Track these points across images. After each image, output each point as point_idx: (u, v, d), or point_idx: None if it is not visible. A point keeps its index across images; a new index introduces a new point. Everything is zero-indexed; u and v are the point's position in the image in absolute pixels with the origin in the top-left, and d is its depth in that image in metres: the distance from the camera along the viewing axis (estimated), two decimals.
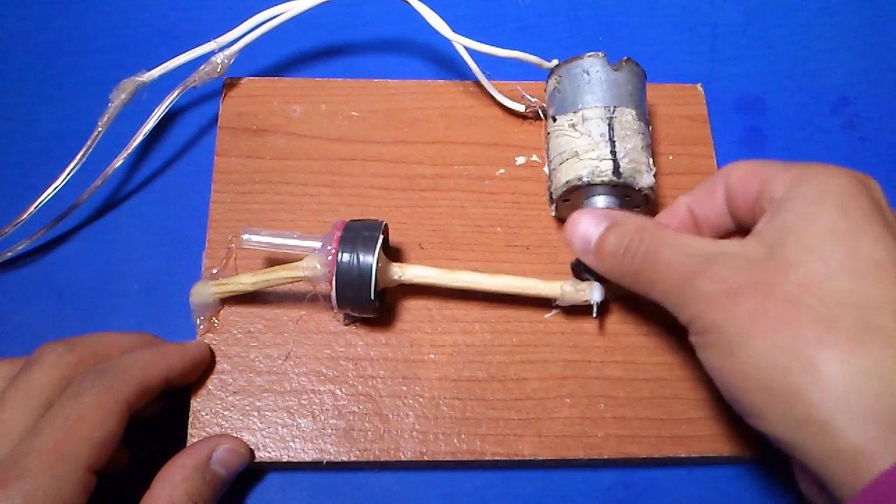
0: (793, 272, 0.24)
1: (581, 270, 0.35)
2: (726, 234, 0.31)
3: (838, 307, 0.23)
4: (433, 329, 0.36)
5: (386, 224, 0.34)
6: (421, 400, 0.34)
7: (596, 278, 0.34)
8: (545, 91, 0.38)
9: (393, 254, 0.37)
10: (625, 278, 0.30)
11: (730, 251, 0.26)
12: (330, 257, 0.32)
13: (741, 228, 0.31)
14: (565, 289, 0.34)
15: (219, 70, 0.38)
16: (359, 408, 0.34)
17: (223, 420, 0.34)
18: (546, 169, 0.38)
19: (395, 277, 0.34)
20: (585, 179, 0.34)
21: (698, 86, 0.42)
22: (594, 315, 0.34)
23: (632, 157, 0.34)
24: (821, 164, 0.27)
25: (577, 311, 0.36)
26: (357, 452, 0.33)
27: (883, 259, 0.24)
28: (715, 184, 0.30)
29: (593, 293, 0.34)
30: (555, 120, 0.36)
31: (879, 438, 0.21)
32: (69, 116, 0.41)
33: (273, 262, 0.36)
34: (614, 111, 0.35)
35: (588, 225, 0.31)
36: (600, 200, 0.35)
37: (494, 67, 0.39)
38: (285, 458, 0.33)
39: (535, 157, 0.40)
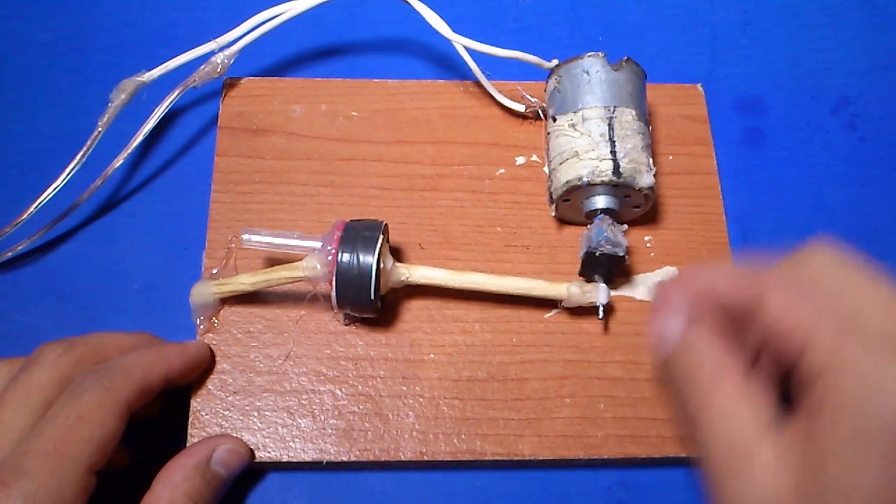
0: None
1: (589, 270, 0.35)
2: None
3: None
4: (433, 329, 0.36)
5: (386, 224, 0.34)
6: (421, 400, 0.34)
7: (603, 280, 0.34)
8: (545, 91, 0.38)
9: (393, 254, 0.37)
10: (674, 402, 0.26)
11: (763, 465, 0.22)
12: (330, 257, 0.32)
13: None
14: (572, 290, 0.34)
15: (219, 70, 0.38)
16: (359, 408, 0.34)
17: (223, 420, 0.34)
18: (546, 169, 0.38)
19: (402, 279, 0.34)
20: (585, 179, 0.34)
21: (698, 86, 0.42)
22: (600, 317, 0.35)
23: (632, 157, 0.34)
24: (863, 360, 0.21)
25: (578, 310, 0.36)
26: (357, 452, 0.33)
27: None
28: (743, 296, 0.24)
29: (599, 295, 0.34)
30: (555, 120, 0.36)
31: None
32: (69, 116, 0.41)
33: (273, 262, 0.36)
34: (614, 111, 0.35)
35: (667, 324, 0.26)
36: (600, 200, 0.35)
37: (494, 67, 0.39)
38: (285, 458, 0.33)
39: (535, 157, 0.40)
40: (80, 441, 0.27)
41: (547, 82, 0.38)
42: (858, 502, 0.20)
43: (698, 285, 0.26)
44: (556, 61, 0.37)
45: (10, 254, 0.38)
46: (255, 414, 0.34)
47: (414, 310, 0.36)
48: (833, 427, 0.21)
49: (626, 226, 0.35)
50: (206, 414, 0.34)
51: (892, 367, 0.20)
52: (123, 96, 0.37)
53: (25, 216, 0.36)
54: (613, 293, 0.36)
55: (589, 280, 0.35)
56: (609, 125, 0.35)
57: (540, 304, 0.36)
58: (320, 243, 0.33)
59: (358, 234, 0.32)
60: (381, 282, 0.33)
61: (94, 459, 0.27)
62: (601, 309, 0.35)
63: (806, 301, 0.22)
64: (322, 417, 0.34)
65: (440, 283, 0.34)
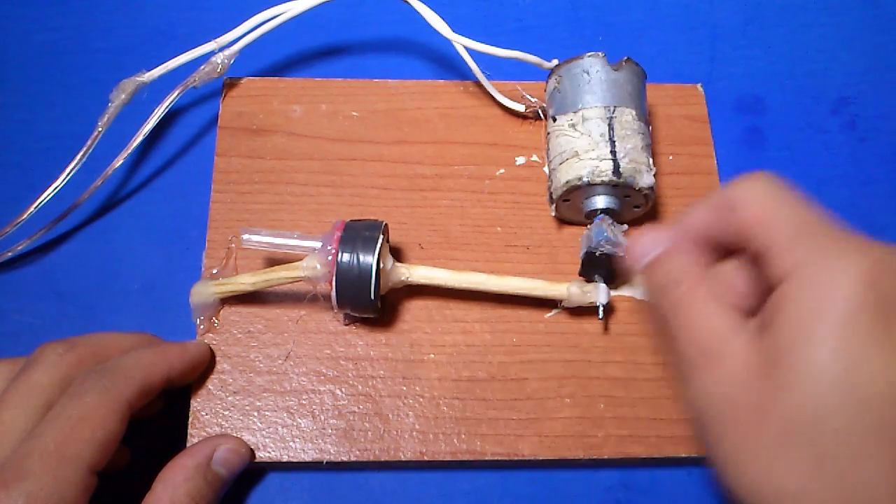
0: (787, 399, 0.24)
1: (590, 270, 0.35)
2: (731, 251, 0.30)
3: (834, 442, 0.23)
4: (433, 329, 0.36)
5: (386, 224, 0.34)
6: (421, 400, 0.34)
7: (604, 280, 0.34)
8: (545, 91, 0.38)
9: (393, 254, 0.37)
10: (660, 307, 0.29)
11: (735, 351, 0.25)
12: (330, 257, 0.32)
13: (749, 256, 0.29)
14: (572, 290, 0.34)
15: (219, 70, 0.38)
16: (359, 408, 0.34)
17: (223, 420, 0.34)
18: (546, 169, 0.38)
19: (403, 279, 0.34)
20: (585, 179, 0.34)
21: (698, 86, 0.42)
22: (600, 317, 0.35)
23: (632, 157, 0.34)
24: (831, 244, 0.24)
25: (578, 310, 0.36)
26: (357, 452, 0.33)
27: (884, 392, 0.23)
28: (721, 211, 0.28)
29: (599, 295, 0.34)
30: (555, 120, 0.36)
31: None
32: (69, 116, 0.41)
33: (273, 262, 0.36)
34: (614, 111, 0.35)
35: (646, 244, 0.29)
36: (600, 200, 0.35)
37: (494, 67, 0.39)
38: (285, 458, 0.33)
39: (535, 157, 0.40)
40: (82, 441, 0.27)
41: (547, 82, 0.38)
42: (815, 378, 0.23)
43: (678, 226, 0.29)
44: (556, 61, 0.37)
45: (10, 254, 0.38)
46: (255, 414, 0.34)
47: (414, 310, 0.36)
48: (794, 314, 0.24)
49: (626, 226, 0.35)
50: (206, 414, 0.34)
51: (849, 278, 0.23)
52: (123, 96, 0.37)
53: (25, 216, 0.36)
54: (613, 293, 0.36)
55: (589, 280, 0.35)
56: (609, 125, 0.35)
57: (540, 304, 0.36)
58: (320, 243, 0.33)
59: (358, 234, 0.32)
60: (381, 282, 0.33)
61: (96, 460, 0.27)
62: (601, 309, 0.35)
63: (767, 209, 0.26)
64: (322, 417, 0.34)
65: (440, 283, 0.34)
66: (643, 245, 0.30)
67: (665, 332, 0.28)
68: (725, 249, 0.30)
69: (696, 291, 0.27)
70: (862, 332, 0.23)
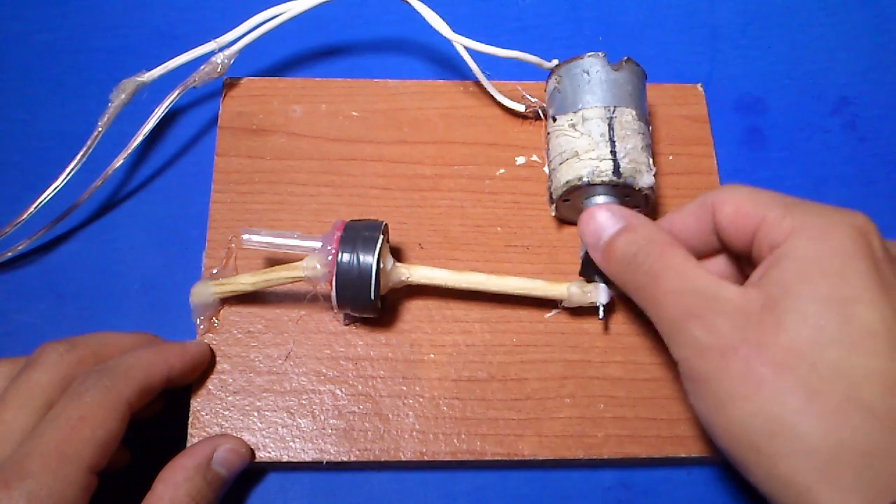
0: (784, 335, 0.24)
1: (589, 270, 0.35)
2: (709, 255, 0.32)
3: (826, 377, 0.24)
4: (433, 329, 0.36)
5: (386, 224, 0.34)
6: (421, 400, 0.34)
7: (603, 280, 0.34)
8: (545, 91, 0.38)
9: (393, 254, 0.37)
10: (626, 287, 0.30)
11: (729, 298, 0.26)
12: (330, 257, 0.32)
13: (731, 252, 0.31)
14: (572, 290, 0.34)
15: (219, 70, 0.38)
16: (359, 408, 0.34)
17: (223, 420, 0.34)
18: (546, 169, 0.38)
19: (403, 279, 0.34)
20: (585, 179, 0.34)
21: (698, 86, 0.42)
22: (600, 317, 0.35)
23: (632, 157, 0.34)
24: (820, 211, 0.27)
25: (577, 310, 0.36)
26: (357, 452, 0.33)
27: (877, 328, 0.24)
28: (699, 213, 0.30)
29: (600, 295, 0.34)
30: (555, 120, 0.36)
31: None
32: (69, 116, 0.41)
33: (273, 262, 0.36)
34: (614, 111, 0.35)
35: (603, 221, 0.31)
36: (600, 200, 0.35)
37: (494, 67, 0.39)
38: (285, 458, 0.33)
39: (535, 157, 0.40)
40: (82, 441, 0.27)
41: (547, 82, 0.38)
42: (813, 313, 0.24)
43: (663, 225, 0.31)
44: (556, 61, 0.37)
45: (10, 254, 0.38)
46: (255, 414, 0.34)
47: (414, 310, 0.36)
48: (793, 262, 0.25)
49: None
50: (206, 414, 0.34)
51: (842, 231, 0.25)
52: (123, 96, 0.37)
53: (25, 216, 0.36)
54: (614, 293, 0.36)
55: (589, 280, 0.35)
56: (609, 125, 0.35)
57: (540, 304, 0.36)
58: (320, 243, 0.33)
59: (358, 234, 0.32)
60: (381, 282, 0.33)
61: (96, 460, 0.27)
62: (601, 309, 0.35)
63: (750, 200, 0.28)
64: (322, 417, 0.34)
65: (440, 283, 0.34)
66: (600, 223, 0.31)
67: (644, 302, 0.29)
68: (703, 253, 0.32)
69: (671, 255, 0.28)
70: (856, 274, 0.25)
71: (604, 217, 0.31)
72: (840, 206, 0.27)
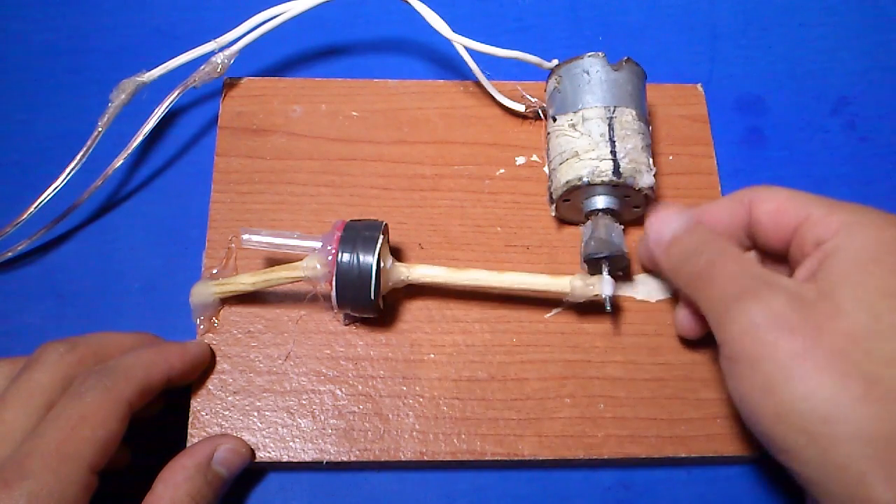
0: (843, 322, 0.24)
1: (592, 265, 0.34)
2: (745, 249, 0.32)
3: (885, 365, 0.23)
4: (433, 329, 0.36)
5: (386, 224, 0.34)
6: (421, 400, 0.34)
7: (608, 273, 0.34)
8: (545, 91, 0.38)
9: (393, 254, 0.37)
10: (681, 279, 0.30)
11: (785, 284, 0.26)
12: (330, 257, 0.32)
13: (761, 250, 0.32)
14: (575, 283, 0.33)
15: (219, 70, 0.38)
16: (359, 408, 0.34)
17: (223, 420, 0.34)
18: (546, 169, 0.38)
19: (402, 278, 0.34)
20: (585, 179, 0.34)
21: (698, 86, 0.42)
22: (608, 309, 0.33)
23: (632, 157, 0.34)
24: (865, 209, 0.27)
25: (577, 310, 0.36)
26: (357, 452, 0.33)
27: None
28: (734, 209, 0.31)
29: (604, 287, 0.33)
30: (555, 120, 0.36)
31: None
32: (69, 116, 0.41)
33: (273, 262, 0.36)
34: (614, 111, 0.35)
35: (670, 218, 0.32)
36: (600, 200, 0.35)
37: (494, 67, 0.39)
38: (285, 458, 0.33)
39: (535, 157, 0.40)
40: (83, 441, 0.27)
41: (547, 82, 0.38)
42: (871, 303, 0.24)
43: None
44: (556, 61, 0.37)
45: (10, 254, 0.38)
46: (255, 414, 0.34)
47: (414, 310, 0.36)
48: (847, 256, 0.26)
49: (621, 225, 0.35)
50: (206, 414, 0.34)
51: (884, 219, 0.26)
52: (123, 96, 0.37)
53: (25, 216, 0.36)
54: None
55: (592, 273, 0.35)
56: (609, 125, 0.35)
57: (540, 304, 0.36)
58: (320, 243, 0.33)
59: (358, 233, 0.32)
60: (381, 281, 0.33)
61: (97, 460, 0.27)
62: (607, 300, 0.33)
63: (792, 199, 0.29)
64: (322, 417, 0.34)
65: (440, 280, 0.34)
66: (667, 220, 0.32)
67: (698, 285, 0.29)
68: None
69: (731, 249, 0.29)
70: None
71: (673, 214, 0.32)
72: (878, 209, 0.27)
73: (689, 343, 0.35)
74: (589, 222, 0.36)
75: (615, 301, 0.36)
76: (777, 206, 0.29)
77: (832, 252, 0.26)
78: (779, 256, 0.30)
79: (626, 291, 0.37)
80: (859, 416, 0.23)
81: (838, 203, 0.28)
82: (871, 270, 0.25)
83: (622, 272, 0.37)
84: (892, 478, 0.22)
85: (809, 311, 0.25)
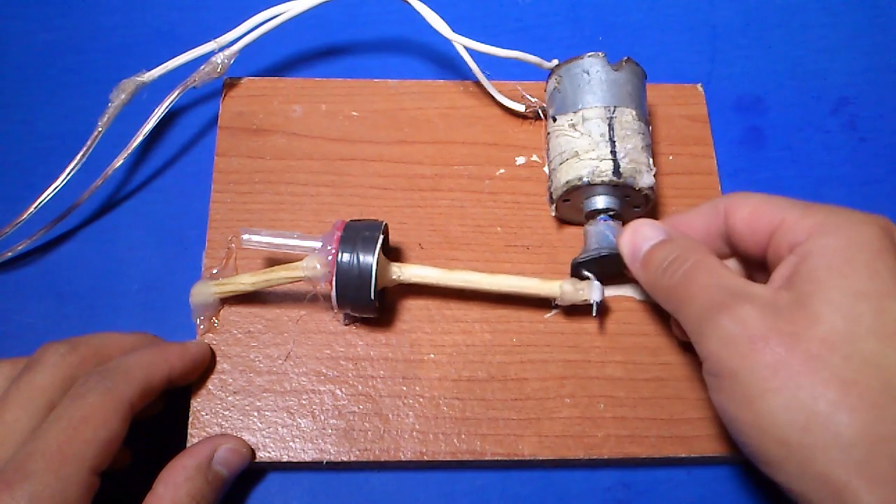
0: (819, 327, 0.24)
1: (580, 270, 0.35)
2: (724, 257, 0.32)
3: (862, 369, 0.23)
4: (433, 329, 0.36)
5: (386, 224, 0.34)
6: (421, 400, 0.34)
7: (597, 278, 0.34)
8: (545, 91, 0.38)
9: (393, 254, 0.37)
10: (660, 293, 0.30)
11: (759, 293, 0.26)
12: (330, 257, 0.32)
13: (741, 257, 0.31)
14: (565, 288, 0.34)
15: (219, 70, 0.38)
16: (359, 408, 0.34)
17: (223, 420, 0.34)
18: (546, 169, 0.38)
19: (394, 277, 0.34)
20: (585, 179, 0.34)
21: (698, 86, 0.42)
22: (594, 314, 0.34)
23: (632, 157, 0.34)
24: (840, 210, 0.27)
25: (578, 311, 0.36)
26: (357, 452, 0.33)
27: None
28: (710, 216, 0.31)
29: (593, 293, 0.34)
30: (555, 120, 0.36)
31: None
32: (69, 116, 0.41)
33: (273, 262, 0.36)
34: (614, 111, 0.35)
35: (645, 234, 0.31)
36: (600, 200, 0.35)
37: (494, 67, 0.39)
38: (285, 458, 0.33)
39: (535, 157, 0.40)
40: (84, 442, 0.27)
41: (547, 82, 0.38)
42: (847, 307, 0.24)
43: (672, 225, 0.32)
44: (556, 61, 0.37)
45: (10, 254, 0.38)
46: (255, 414, 0.34)
47: (414, 310, 0.36)
48: (822, 259, 0.25)
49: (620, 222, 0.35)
50: (206, 414, 0.34)
51: (869, 229, 0.26)
52: (123, 96, 0.37)
53: (25, 216, 0.36)
54: (613, 293, 0.36)
55: (582, 277, 0.35)
56: (609, 125, 0.35)
57: (540, 305, 0.36)
58: (320, 243, 0.33)
59: (358, 234, 0.32)
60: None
61: (98, 460, 0.27)
62: (595, 307, 0.34)
63: (766, 204, 0.29)
64: (322, 417, 0.34)
65: (433, 281, 0.34)
66: (644, 233, 0.31)
67: (675, 300, 0.29)
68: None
69: (707, 259, 0.29)
70: (887, 269, 0.25)
71: (647, 229, 0.31)
72: (855, 209, 0.27)
73: (689, 343, 0.35)
74: (587, 225, 0.36)
75: (612, 302, 0.36)
76: (751, 213, 0.29)
77: (806, 256, 0.26)
78: (758, 263, 0.30)
79: (626, 292, 0.37)
80: (837, 423, 0.23)
81: (812, 206, 0.27)
82: (845, 273, 0.25)
83: (622, 272, 0.37)
84: (875, 484, 0.22)
85: (784, 319, 0.25)
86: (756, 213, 0.29)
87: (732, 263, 0.32)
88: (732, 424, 0.26)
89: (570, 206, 0.36)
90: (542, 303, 0.36)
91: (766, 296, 0.26)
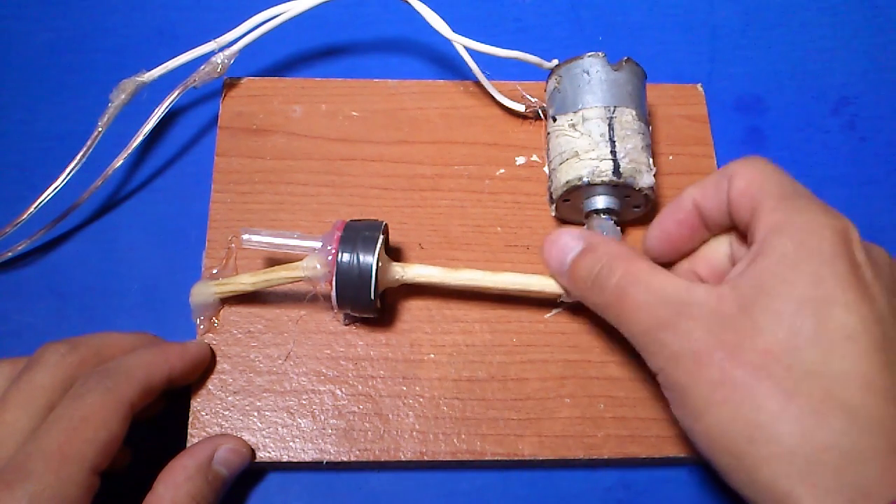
0: (760, 337, 0.24)
1: None
2: (728, 230, 0.31)
3: (803, 379, 0.23)
4: (433, 329, 0.36)
5: (386, 224, 0.34)
6: (421, 400, 0.34)
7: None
8: (545, 91, 0.38)
9: (393, 254, 0.37)
10: (596, 308, 0.30)
11: (701, 302, 0.26)
12: (330, 257, 0.32)
13: (740, 231, 0.31)
14: None
15: (219, 70, 0.38)
16: (359, 408, 0.34)
17: (223, 420, 0.34)
18: (546, 169, 0.38)
19: (397, 277, 0.34)
20: (585, 179, 0.34)
21: (698, 86, 0.42)
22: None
23: (632, 157, 0.34)
24: (807, 208, 0.26)
25: (578, 311, 0.36)
26: (357, 452, 0.33)
27: (854, 330, 0.24)
28: (720, 183, 0.30)
29: None
30: (555, 120, 0.36)
31: None
32: (69, 116, 0.41)
33: (273, 262, 0.36)
34: (614, 111, 0.35)
35: (565, 245, 0.31)
36: (600, 200, 0.35)
37: (494, 67, 0.39)
38: (285, 458, 0.33)
39: (535, 157, 0.40)
40: (84, 442, 0.27)
41: (547, 82, 0.38)
42: (792, 314, 0.24)
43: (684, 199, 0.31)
44: (556, 61, 0.37)
45: (10, 254, 0.38)
46: (255, 414, 0.34)
47: (414, 310, 0.36)
48: (774, 259, 0.25)
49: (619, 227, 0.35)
50: (206, 414, 0.34)
51: (822, 232, 0.25)
52: (123, 96, 0.37)
53: (25, 216, 0.36)
54: None
55: None
56: (609, 125, 0.35)
57: (540, 304, 0.36)
58: (320, 243, 0.33)
59: (358, 233, 0.32)
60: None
61: (98, 460, 0.27)
62: None
63: (758, 179, 0.28)
64: (322, 417, 0.34)
65: (435, 280, 0.34)
66: (564, 244, 0.31)
67: (615, 319, 0.28)
68: (719, 227, 0.31)
69: (636, 268, 0.28)
70: (834, 276, 0.24)
71: (564, 240, 0.31)
72: (828, 207, 0.27)
73: None
74: (587, 225, 0.36)
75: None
76: (745, 186, 0.28)
77: (757, 255, 0.26)
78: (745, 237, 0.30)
79: None
80: (780, 433, 0.23)
81: (787, 198, 0.27)
82: (790, 279, 0.25)
83: None
84: (817, 494, 0.22)
85: (728, 330, 0.25)
86: (748, 189, 0.28)
87: (723, 244, 0.31)
88: (689, 435, 0.27)
89: (571, 206, 0.36)
90: (542, 303, 0.36)
91: (709, 304, 0.26)
